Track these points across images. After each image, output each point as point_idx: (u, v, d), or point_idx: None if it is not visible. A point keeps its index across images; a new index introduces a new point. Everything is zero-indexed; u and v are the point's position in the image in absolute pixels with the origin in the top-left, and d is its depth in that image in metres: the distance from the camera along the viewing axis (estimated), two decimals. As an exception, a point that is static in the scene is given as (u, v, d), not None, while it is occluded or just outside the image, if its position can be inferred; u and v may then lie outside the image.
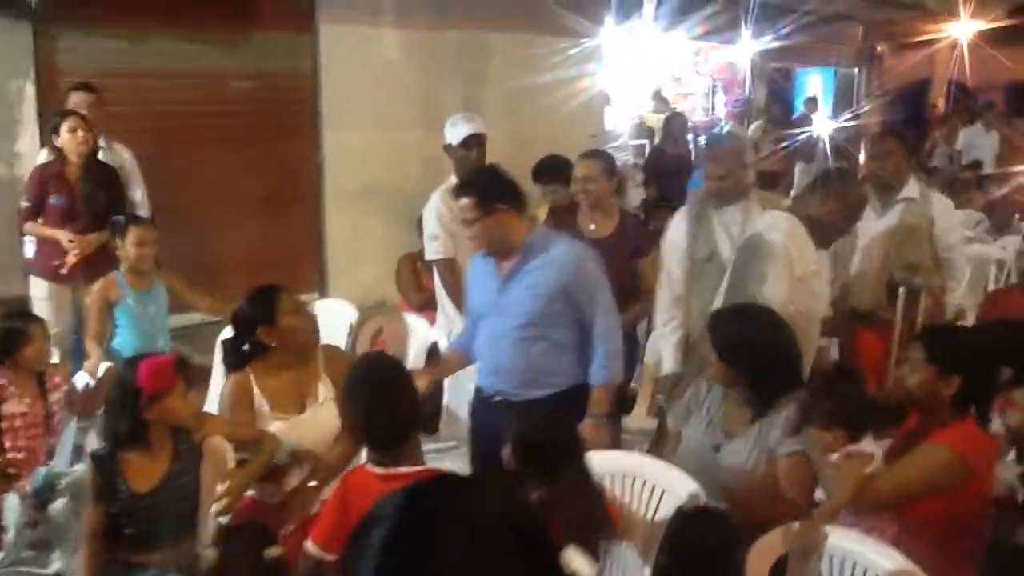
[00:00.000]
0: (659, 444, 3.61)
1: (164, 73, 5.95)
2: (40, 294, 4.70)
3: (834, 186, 3.48)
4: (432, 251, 4.23)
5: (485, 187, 3.16)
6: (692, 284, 3.72)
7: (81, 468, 3.00)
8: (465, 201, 3.14)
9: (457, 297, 4.10)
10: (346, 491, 2.54)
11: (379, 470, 2.51)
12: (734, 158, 3.71)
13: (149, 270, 3.99)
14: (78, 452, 3.20)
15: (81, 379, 3.68)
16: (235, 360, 3.11)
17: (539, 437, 2.58)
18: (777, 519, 2.52)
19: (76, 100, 4.88)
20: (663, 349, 3.80)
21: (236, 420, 3.04)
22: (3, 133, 5.40)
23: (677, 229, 3.80)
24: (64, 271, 4.57)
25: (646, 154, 9.69)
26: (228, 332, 3.32)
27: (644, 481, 2.87)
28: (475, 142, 4.19)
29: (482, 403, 3.32)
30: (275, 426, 3.02)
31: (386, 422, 2.56)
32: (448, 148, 4.28)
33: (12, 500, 3.15)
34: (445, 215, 4.12)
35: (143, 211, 4.90)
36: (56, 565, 2.99)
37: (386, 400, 2.58)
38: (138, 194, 5.04)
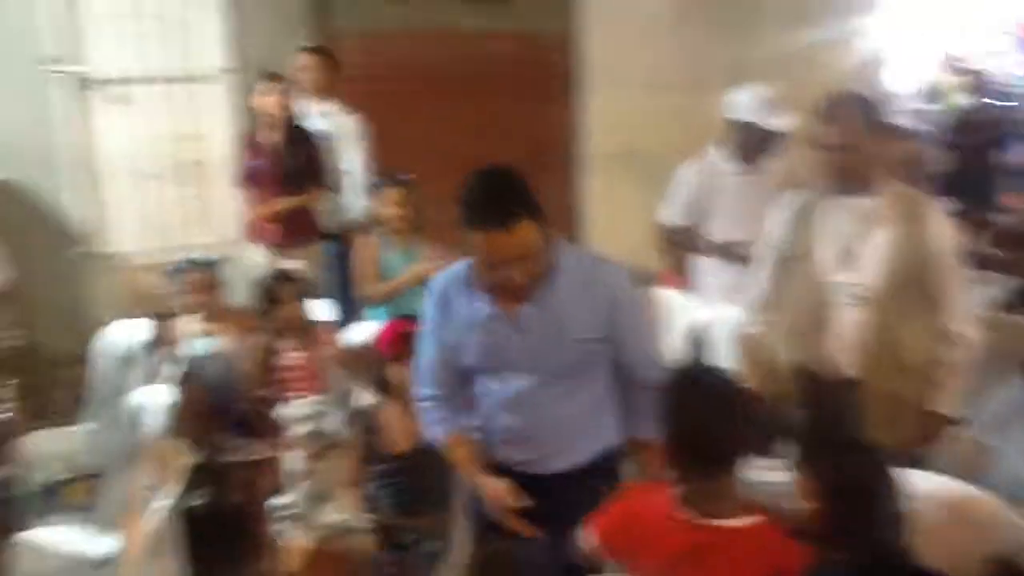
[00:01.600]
0: None
1: (429, 33, 6.00)
2: (252, 257, 4.81)
3: None
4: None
5: (506, 198, 2.23)
6: (781, 289, 3.03)
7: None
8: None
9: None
10: (645, 526, 2.05)
11: (691, 517, 1.99)
12: (857, 123, 2.81)
13: (407, 230, 3.99)
14: (346, 408, 3.28)
15: (351, 336, 3.76)
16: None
17: None
18: None
19: (302, 62, 4.92)
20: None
21: None
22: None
23: (779, 213, 3.08)
24: (262, 235, 4.65)
25: (939, 119, 8.75)
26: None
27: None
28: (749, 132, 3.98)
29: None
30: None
31: (709, 444, 2.00)
32: (728, 121, 4.07)
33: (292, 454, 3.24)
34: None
35: (356, 178, 4.89)
36: (331, 516, 3.05)
37: (715, 416, 2.00)
38: (355, 162, 4.95)
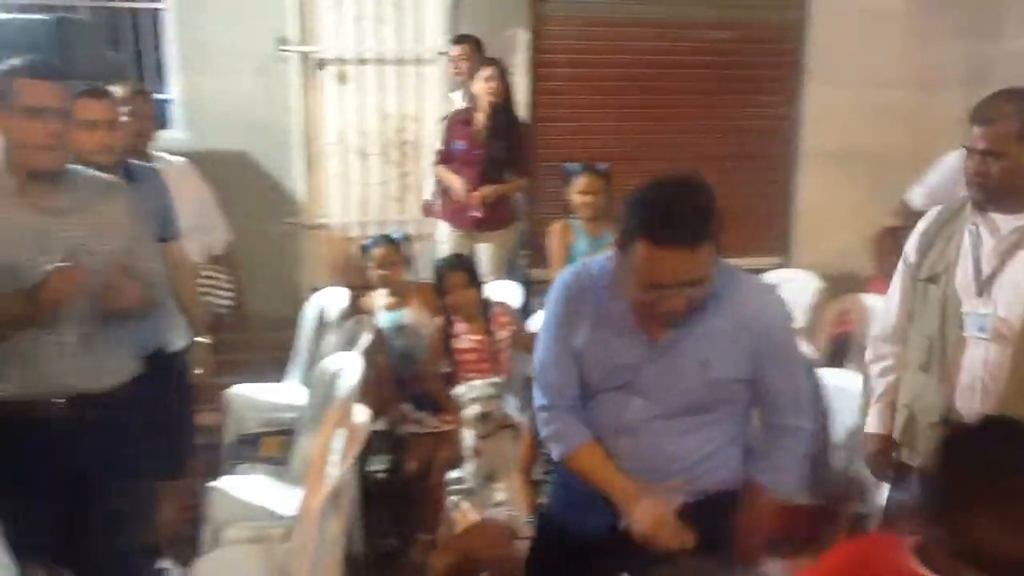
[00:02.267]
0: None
1: (644, 22, 5.93)
2: (440, 237, 4.88)
3: None
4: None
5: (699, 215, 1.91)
6: (914, 313, 2.59)
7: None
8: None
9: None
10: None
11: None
12: (1011, 126, 2.33)
13: (598, 218, 3.96)
14: (523, 393, 3.30)
15: (536, 322, 3.78)
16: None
17: None
18: None
19: (454, 52, 4.95)
20: (872, 406, 2.70)
21: None
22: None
23: (915, 231, 2.66)
24: (458, 217, 4.69)
25: None
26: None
27: None
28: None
29: (585, 500, 2.15)
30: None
31: None
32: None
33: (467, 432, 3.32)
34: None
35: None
36: (499, 495, 3.09)
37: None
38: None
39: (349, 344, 3.62)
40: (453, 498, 3.17)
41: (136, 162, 3.10)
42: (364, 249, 4.02)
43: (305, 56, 5.45)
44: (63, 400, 2.34)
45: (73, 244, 2.25)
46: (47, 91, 2.23)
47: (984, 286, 2.38)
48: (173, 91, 5.37)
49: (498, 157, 4.62)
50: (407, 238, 4.20)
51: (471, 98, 4.72)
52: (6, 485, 2.42)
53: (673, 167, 5.91)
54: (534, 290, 4.51)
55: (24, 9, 4.89)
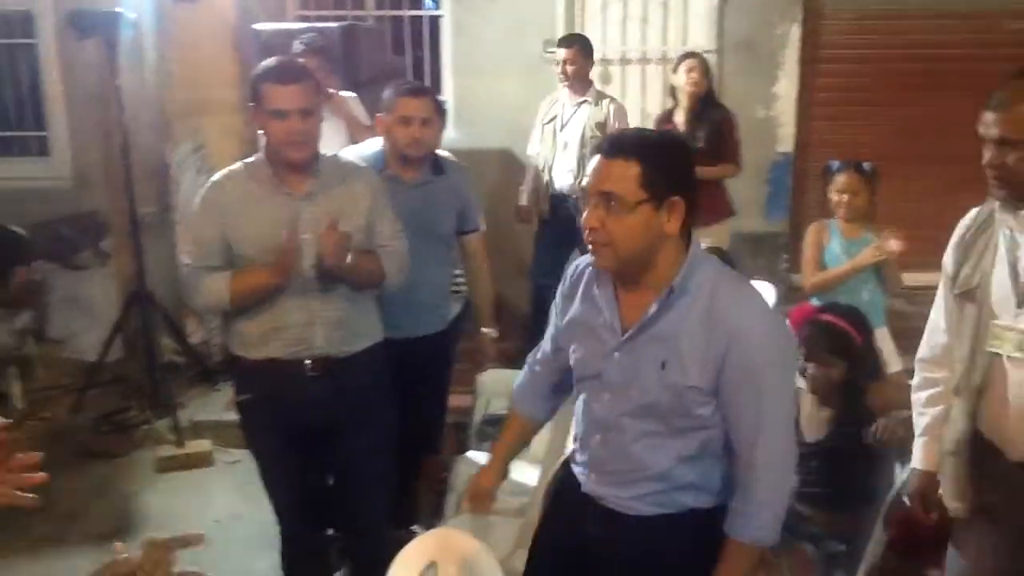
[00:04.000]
0: None
1: (929, 13, 5.56)
2: None
3: None
4: None
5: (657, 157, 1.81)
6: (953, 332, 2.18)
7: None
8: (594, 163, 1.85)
9: None
10: None
11: None
12: None
13: (856, 219, 3.75)
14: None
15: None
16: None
17: None
18: None
19: (561, 55, 4.80)
20: (916, 439, 2.33)
21: None
22: (764, 75, 5.64)
23: (952, 238, 2.24)
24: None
25: None
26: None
27: None
28: None
29: (571, 486, 2.08)
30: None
31: None
32: None
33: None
34: None
35: None
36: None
37: None
38: None
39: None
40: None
41: (446, 156, 3.30)
42: None
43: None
44: (311, 361, 2.58)
45: (318, 223, 2.47)
46: (289, 94, 2.45)
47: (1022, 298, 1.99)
48: (447, 93, 5.70)
49: (700, 147, 4.58)
50: None
51: (680, 92, 4.72)
52: (272, 452, 2.72)
53: (954, 167, 5.57)
54: (788, 297, 4.34)
55: (319, 19, 5.41)
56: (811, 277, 3.78)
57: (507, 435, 2.31)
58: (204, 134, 5.18)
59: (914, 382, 2.35)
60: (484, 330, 3.43)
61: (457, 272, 3.52)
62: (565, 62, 4.79)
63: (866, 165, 3.80)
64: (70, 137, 5.53)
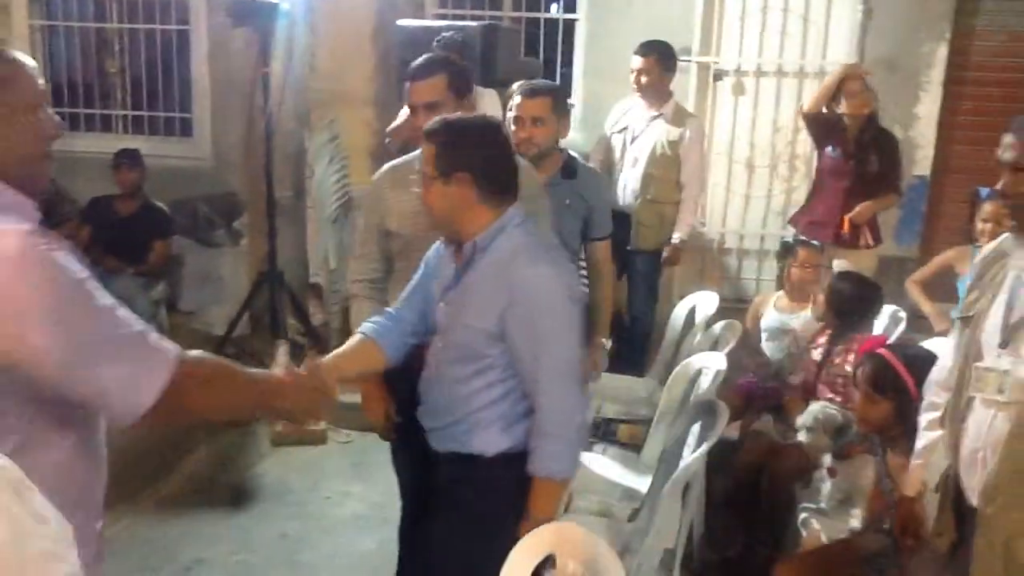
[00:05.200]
0: None
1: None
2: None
3: None
4: None
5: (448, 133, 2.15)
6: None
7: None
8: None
9: None
10: None
11: None
12: None
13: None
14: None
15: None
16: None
17: None
18: None
19: (636, 65, 4.57)
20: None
21: None
22: (905, 94, 5.47)
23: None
24: (820, 235, 4.45)
25: None
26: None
27: None
28: None
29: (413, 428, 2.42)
30: None
31: None
32: None
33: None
34: None
35: (693, 188, 4.50)
36: (854, 521, 2.95)
37: None
38: (689, 171, 4.50)
39: (716, 346, 3.65)
40: (804, 515, 3.07)
41: (580, 161, 3.33)
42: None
43: (704, 66, 5.55)
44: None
45: None
46: (416, 90, 2.61)
47: (1010, 334, 1.91)
48: (575, 96, 5.72)
49: (869, 172, 4.43)
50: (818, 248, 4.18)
51: (846, 113, 4.49)
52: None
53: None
54: (913, 324, 4.18)
55: (458, 17, 5.50)
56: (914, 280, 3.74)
57: (351, 351, 2.35)
58: (339, 124, 5.33)
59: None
60: (600, 339, 3.40)
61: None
62: (640, 72, 4.52)
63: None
64: (212, 120, 5.79)
